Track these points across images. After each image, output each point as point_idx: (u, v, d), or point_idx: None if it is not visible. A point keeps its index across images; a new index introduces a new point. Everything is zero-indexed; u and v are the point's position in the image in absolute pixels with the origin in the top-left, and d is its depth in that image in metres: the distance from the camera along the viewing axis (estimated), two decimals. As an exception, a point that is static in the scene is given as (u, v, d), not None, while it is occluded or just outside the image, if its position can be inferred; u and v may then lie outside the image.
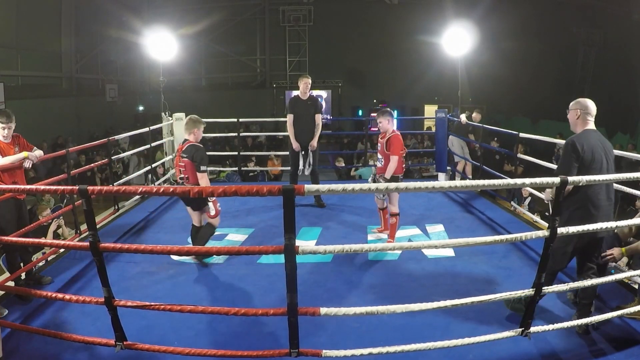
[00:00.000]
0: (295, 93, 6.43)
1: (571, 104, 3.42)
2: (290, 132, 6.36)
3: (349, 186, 2.53)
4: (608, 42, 15.03)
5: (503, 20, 15.66)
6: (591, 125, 3.31)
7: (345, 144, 16.00)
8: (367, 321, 3.37)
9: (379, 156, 5.09)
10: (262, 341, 3.16)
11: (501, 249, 4.81)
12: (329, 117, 17.51)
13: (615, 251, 3.42)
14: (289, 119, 6.33)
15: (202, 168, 4.26)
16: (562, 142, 5.97)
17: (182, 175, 4.45)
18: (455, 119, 7.94)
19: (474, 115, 7.89)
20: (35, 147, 4.29)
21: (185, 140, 4.44)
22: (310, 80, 6.36)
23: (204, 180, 4.31)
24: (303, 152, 6.30)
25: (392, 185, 2.54)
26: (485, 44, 12.18)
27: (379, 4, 19.12)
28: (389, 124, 4.99)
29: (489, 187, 2.61)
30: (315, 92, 6.39)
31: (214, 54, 20.05)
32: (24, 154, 4.04)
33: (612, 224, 2.95)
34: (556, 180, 2.61)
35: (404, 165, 5.04)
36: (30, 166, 4.15)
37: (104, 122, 16.92)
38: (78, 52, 16.38)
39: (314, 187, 2.46)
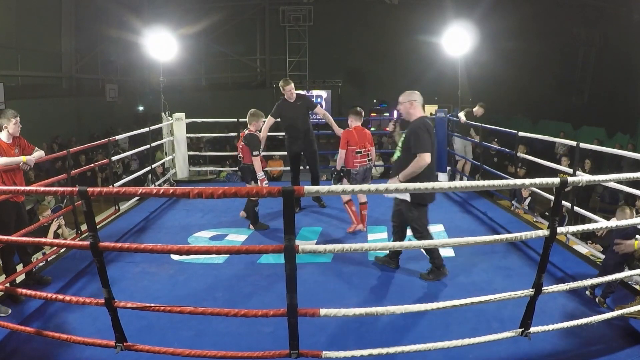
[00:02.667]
0: (300, 93, 6.30)
1: (401, 98, 4.13)
2: (263, 135, 5.88)
3: (349, 187, 2.53)
4: (608, 42, 15.04)
5: (503, 20, 15.66)
6: (422, 112, 4.09)
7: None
8: (367, 321, 3.37)
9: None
10: (262, 342, 3.15)
11: (501, 249, 4.81)
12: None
13: (627, 244, 3.43)
14: (268, 121, 5.98)
15: (255, 153, 5.30)
16: (563, 141, 5.99)
17: (240, 155, 5.46)
18: (455, 118, 7.94)
19: (475, 109, 7.82)
20: (36, 148, 4.30)
21: (247, 128, 5.42)
22: (291, 87, 5.90)
23: (256, 162, 5.31)
24: (303, 155, 6.19)
25: (392, 186, 2.54)
26: (485, 44, 12.18)
27: (379, 4, 19.13)
28: (349, 121, 5.38)
29: (489, 187, 2.61)
30: (315, 92, 6.32)
31: (214, 54, 20.07)
32: (22, 158, 4.06)
33: (612, 224, 2.95)
34: (556, 180, 2.61)
35: (356, 161, 5.23)
36: (28, 169, 4.17)
37: (104, 122, 16.92)
38: (78, 52, 16.39)
39: (313, 188, 2.46)
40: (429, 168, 3.99)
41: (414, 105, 4.07)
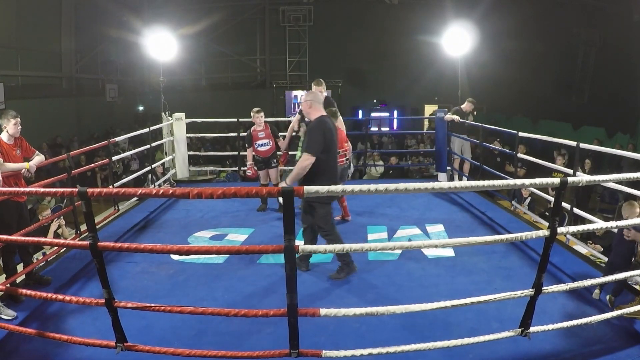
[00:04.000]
0: (300, 93, 6.41)
1: (302, 97, 4.25)
2: (289, 132, 6.23)
3: (349, 187, 2.53)
4: (608, 42, 15.03)
5: (503, 20, 15.66)
6: (322, 112, 4.13)
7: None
8: (367, 321, 3.37)
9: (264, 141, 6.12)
10: (262, 342, 3.15)
11: (501, 249, 4.81)
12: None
13: (635, 233, 3.44)
14: (296, 119, 6.18)
15: (247, 145, 6.21)
16: (563, 141, 6.00)
17: None
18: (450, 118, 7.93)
19: (463, 106, 7.84)
20: (37, 152, 4.31)
21: None
22: (322, 88, 5.89)
23: (247, 153, 6.25)
24: None
25: (392, 186, 2.53)
26: (485, 44, 12.17)
27: (379, 4, 19.11)
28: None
29: (489, 187, 2.61)
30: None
31: (214, 54, 20.04)
32: (26, 165, 4.08)
33: (612, 224, 2.95)
34: (556, 180, 2.61)
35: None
36: (29, 175, 4.19)
37: (104, 122, 16.91)
38: (78, 52, 16.37)
39: (313, 188, 2.46)
40: (329, 167, 4.04)
41: (312, 106, 4.12)
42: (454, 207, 6.54)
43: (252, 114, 6.08)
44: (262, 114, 6.12)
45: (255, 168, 6.24)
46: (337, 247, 2.56)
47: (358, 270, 4.35)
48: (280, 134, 6.45)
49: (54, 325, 3.42)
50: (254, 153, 6.17)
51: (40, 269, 4.49)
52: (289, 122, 6.62)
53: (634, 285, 3.89)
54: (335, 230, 4.23)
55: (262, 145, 6.11)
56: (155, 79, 13.01)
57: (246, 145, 6.15)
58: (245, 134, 6.24)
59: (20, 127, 4.05)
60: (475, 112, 8.13)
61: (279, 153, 6.29)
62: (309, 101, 4.13)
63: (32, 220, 4.82)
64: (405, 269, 4.39)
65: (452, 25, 8.66)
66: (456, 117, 7.64)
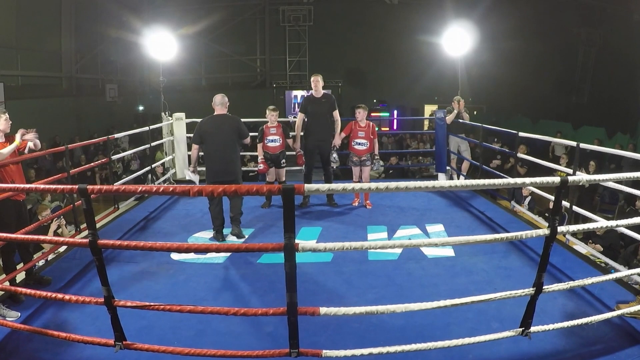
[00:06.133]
0: (300, 93, 6.52)
1: None
2: (297, 131, 6.38)
3: (349, 186, 2.53)
4: (608, 42, 15.04)
5: (503, 20, 15.67)
6: (217, 112, 5.33)
7: (345, 144, 15.97)
8: (367, 321, 3.37)
9: (363, 141, 6.46)
10: (262, 341, 3.15)
11: (501, 248, 4.81)
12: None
13: None
14: (299, 118, 6.35)
15: (258, 141, 6.37)
16: (563, 141, 6.01)
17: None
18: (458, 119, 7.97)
19: (454, 105, 7.91)
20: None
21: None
22: (319, 78, 6.30)
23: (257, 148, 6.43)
24: (318, 152, 6.36)
25: (392, 184, 2.53)
26: (485, 44, 12.18)
27: (379, 4, 19.12)
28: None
29: (489, 187, 2.61)
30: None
31: (214, 54, 20.04)
32: (16, 142, 4.06)
33: (612, 223, 2.95)
34: (556, 179, 2.61)
35: None
36: (36, 145, 4.19)
37: (104, 122, 16.89)
38: (78, 52, 16.36)
39: (314, 186, 2.46)
40: (209, 156, 5.16)
41: (213, 106, 5.30)
42: (453, 207, 6.54)
43: (267, 111, 6.23)
44: (277, 112, 6.29)
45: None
46: (337, 245, 2.55)
47: (358, 270, 4.35)
48: (291, 133, 6.58)
49: (55, 325, 3.41)
50: (264, 150, 6.25)
51: (40, 269, 4.49)
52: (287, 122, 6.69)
53: (634, 285, 3.90)
54: (212, 209, 5.21)
55: (272, 141, 6.21)
56: (155, 79, 12.99)
57: (257, 141, 6.23)
58: (256, 133, 6.29)
59: (10, 122, 4.07)
60: (464, 107, 8.08)
61: (288, 153, 6.40)
62: (213, 103, 5.27)
63: (31, 221, 4.81)
64: (405, 269, 4.38)
65: (452, 25, 8.65)
66: (448, 118, 7.76)
